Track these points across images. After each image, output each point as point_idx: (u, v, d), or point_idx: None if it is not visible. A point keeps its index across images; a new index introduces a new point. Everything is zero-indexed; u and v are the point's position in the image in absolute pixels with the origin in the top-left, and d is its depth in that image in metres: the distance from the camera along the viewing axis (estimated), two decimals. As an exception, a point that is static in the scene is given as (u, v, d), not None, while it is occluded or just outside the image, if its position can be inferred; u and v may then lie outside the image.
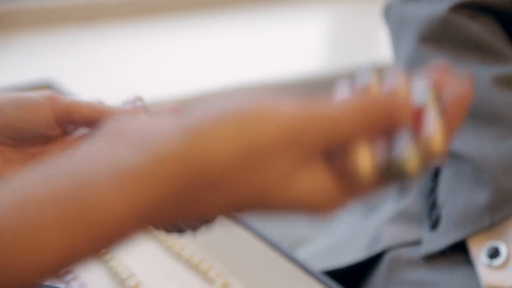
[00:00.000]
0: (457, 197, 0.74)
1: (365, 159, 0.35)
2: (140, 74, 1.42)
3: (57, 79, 1.01)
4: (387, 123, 0.35)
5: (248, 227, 0.73)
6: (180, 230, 0.46)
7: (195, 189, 0.33)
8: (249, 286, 0.73)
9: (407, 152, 0.35)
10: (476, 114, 0.76)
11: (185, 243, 0.79)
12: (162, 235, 0.80)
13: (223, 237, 0.75)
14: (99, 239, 0.33)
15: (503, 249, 0.71)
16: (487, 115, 0.76)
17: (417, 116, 0.36)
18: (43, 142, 0.60)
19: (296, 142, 0.34)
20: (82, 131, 0.61)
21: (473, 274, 0.72)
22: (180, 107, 0.66)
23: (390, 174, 0.35)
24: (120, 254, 0.77)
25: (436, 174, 0.81)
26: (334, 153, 0.35)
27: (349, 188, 0.35)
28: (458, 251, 0.74)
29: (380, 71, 0.39)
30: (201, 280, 0.74)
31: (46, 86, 0.96)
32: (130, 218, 0.33)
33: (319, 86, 1.57)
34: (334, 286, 0.66)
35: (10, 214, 0.31)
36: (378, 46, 1.68)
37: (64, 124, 0.59)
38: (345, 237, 0.82)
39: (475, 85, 0.77)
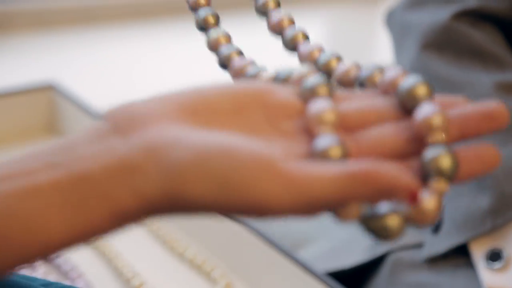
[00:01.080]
0: (459, 201, 0.75)
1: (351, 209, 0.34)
2: (142, 74, 1.43)
3: (60, 80, 1.01)
4: (374, 197, 0.33)
5: (251, 228, 0.73)
6: None
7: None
8: (252, 287, 0.74)
9: (393, 215, 0.34)
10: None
11: (189, 243, 0.80)
12: (167, 236, 0.81)
13: (227, 238, 0.76)
14: (101, 227, 0.34)
15: (504, 252, 0.72)
16: (489, 121, 0.77)
17: (412, 195, 0.33)
18: None
19: None
20: None
21: (475, 277, 0.73)
22: None
23: (370, 228, 0.34)
24: (125, 254, 0.78)
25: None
26: None
27: None
28: (460, 254, 0.75)
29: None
30: (205, 280, 0.75)
31: (49, 87, 0.96)
32: (135, 207, 0.34)
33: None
34: (337, 287, 0.66)
35: (15, 200, 0.32)
36: (376, 50, 1.69)
37: None
38: (347, 238, 0.82)
39: (477, 91, 0.79)
